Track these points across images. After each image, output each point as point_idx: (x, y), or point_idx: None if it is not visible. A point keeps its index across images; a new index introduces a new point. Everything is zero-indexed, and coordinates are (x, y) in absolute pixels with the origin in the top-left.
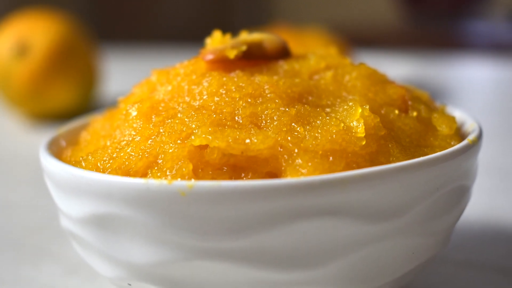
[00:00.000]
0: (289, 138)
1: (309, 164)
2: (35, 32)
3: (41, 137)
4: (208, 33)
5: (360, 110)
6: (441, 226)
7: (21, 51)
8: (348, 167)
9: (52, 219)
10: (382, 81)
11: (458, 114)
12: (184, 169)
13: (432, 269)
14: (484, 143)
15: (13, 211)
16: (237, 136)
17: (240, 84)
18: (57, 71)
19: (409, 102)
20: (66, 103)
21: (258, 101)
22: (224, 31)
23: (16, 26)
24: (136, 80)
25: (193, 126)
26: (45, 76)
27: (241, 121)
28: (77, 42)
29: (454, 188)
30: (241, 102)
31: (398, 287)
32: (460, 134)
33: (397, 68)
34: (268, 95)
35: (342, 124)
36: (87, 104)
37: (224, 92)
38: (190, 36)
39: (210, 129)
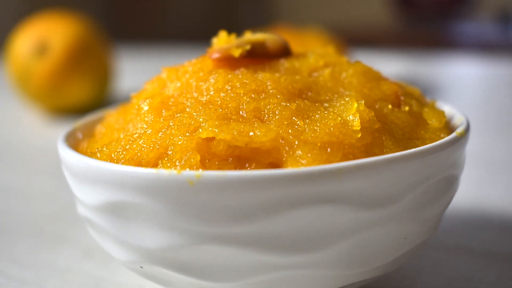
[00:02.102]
0: (290, 131)
1: (309, 155)
2: (54, 32)
3: (59, 130)
4: (214, 33)
5: (356, 105)
6: (432, 213)
7: (40, 50)
8: (345, 158)
9: (69, 206)
10: (376, 78)
11: (447, 108)
12: (192, 160)
13: (423, 253)
14: (472, 136)
15: (33, 200)
16: (242, 129)
17: (244, 80)
18: (74, 69)
19: (402, 98)
20: (82, 98)
21: (261, 97)
22: (230, 31)
23: (36, 27)
24: (147, 77)
25: (201, 120)
26: (63, 74)
27: (245, 115)
28: (93, 41)
29: (444, 178)
30: (245, 98)
31: (391, 270)
32: (449, 127)
33: (391, 66)
34: (271, 91)
35: (339, 118)
36: (101, 99)
37: (229, 88)
38: (198, 36)
39: (216, 122)
